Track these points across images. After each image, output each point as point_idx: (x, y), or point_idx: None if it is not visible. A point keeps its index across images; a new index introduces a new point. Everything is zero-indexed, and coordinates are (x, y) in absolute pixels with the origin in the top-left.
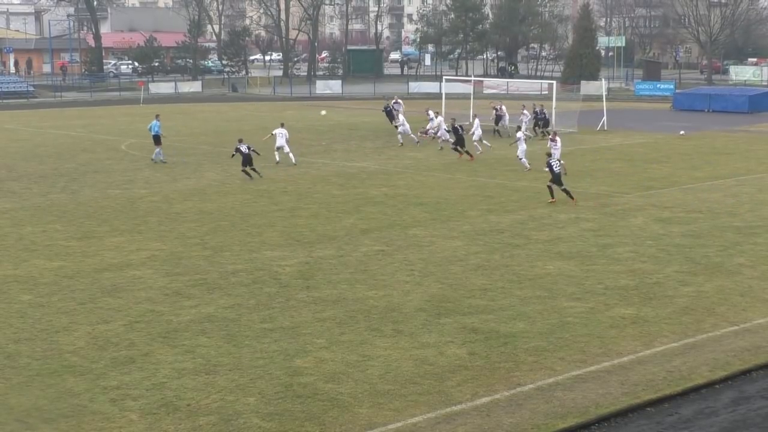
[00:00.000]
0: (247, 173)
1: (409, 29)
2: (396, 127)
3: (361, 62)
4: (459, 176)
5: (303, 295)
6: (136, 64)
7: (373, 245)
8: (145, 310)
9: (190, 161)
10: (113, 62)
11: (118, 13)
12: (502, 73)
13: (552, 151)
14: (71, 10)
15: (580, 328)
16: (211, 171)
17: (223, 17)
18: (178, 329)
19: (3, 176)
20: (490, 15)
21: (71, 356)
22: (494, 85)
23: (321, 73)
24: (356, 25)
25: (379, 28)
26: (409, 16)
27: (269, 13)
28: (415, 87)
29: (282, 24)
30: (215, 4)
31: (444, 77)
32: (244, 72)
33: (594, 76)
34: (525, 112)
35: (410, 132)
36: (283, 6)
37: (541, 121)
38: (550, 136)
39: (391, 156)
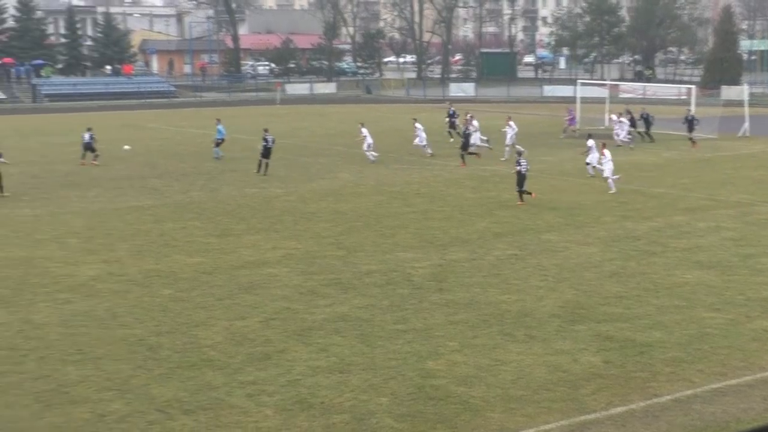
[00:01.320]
0: (260, 164)
1: (543, 32)
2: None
3: (495, 65)
4: (594, 181)
5: (436, 298)
6: (273, 65)
7: (506, 249)
8: (281, 307)
9: (324, 162)
10: (250, 63)
11: (255, 15)
12: (638, 77)
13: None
14: (211, 12)
15: (720, 339)
16: (346, 172)
17: (357, 19)
18: (312, 327)
19: (146, 173)
20: (627, 18)
21: (210, 350)
22: (630, 89)
23: (454, 75)
24: (490, 28)
25: (513, 30)
26: (544, 18)
27: (403, 15)
28: (549, 90)
29: (415, 26)
30: (350, 6)
31: (579, 81)
32: (378, 74)
33: (735, 81)
34: (622, 119)
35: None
36: (416, 8)
37: (645, 124)
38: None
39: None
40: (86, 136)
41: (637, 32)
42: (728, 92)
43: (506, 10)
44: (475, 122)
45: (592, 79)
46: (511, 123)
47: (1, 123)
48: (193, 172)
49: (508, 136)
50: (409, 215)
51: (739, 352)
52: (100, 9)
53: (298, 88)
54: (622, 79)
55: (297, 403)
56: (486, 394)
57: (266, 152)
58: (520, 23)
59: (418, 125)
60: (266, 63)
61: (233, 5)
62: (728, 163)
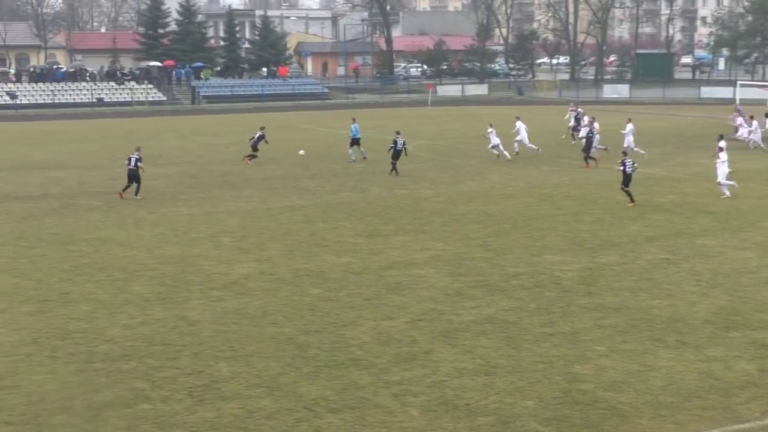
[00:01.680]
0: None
1: (702, 32)
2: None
3: (651, 66)
4: (752, 185)
5: (584, 301)
6: (425, 66)
7: (658, 253)
8: (428, 308)
9: (474, 163)
10: (403, 65)
11: (409, 16)
12: None
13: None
14: (365, 14)
15: None
16: (495, 173)
17: (511, 21)
18: (458, 329)
19: (299, 174)
20: None
21: (356, 350)
22: None
23: (608, 77)
24: (646, 28)
25: (671, 31)
26: (703, 18)
27: (557, 16)
28: (707, 92)
29: (570, 27)
30: (504, 7)
31: (738, 82)
32: (530, 75)
33: None
34: (755, 122)
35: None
36: (571, 9)
37: None
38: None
39: (679, 162)
40: (257, 135)
41: None
42: None
43: (664, 11)
44: (596, 125)
45: (753, 80)
46: (755, 122)
47: (161, 124)
48: (344, 172)
49: (626, 140)
50: (559, 218)
51: None
52: (258, 12)
53: (449, 90)
54: None
55: (442, 405)
56: (635, 400)
57: (396, 154)
58: (678, 23)
59: (518, 123)
60: (419, 64)
61: (387, 7)
62: None
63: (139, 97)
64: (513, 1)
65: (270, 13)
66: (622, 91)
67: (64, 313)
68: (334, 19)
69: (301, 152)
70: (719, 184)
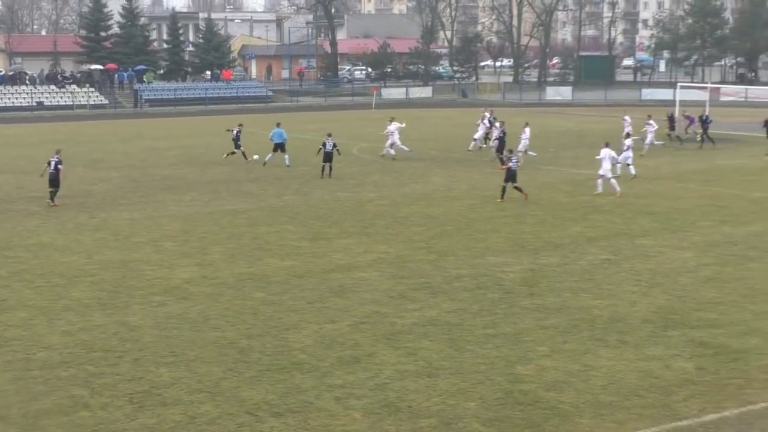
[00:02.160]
0: (323, 169)
1: (643, 35)
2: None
3: (593, 68)
4: (691, 185)
5: (526, 302)
6: (370, 69)
7: (599, 254)
8: (371, 311)
9: (418, 166)
10: (347, 68)
11: (354, 19)
12: (741, 79)
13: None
14: (310, 17)
15: None
16: (438, 176)
17: (455, 23)
18: (401, 331)
19: (241, 177)
20: (731, 20)
21: (299, 353)
22: (732, 92)
23: (551, 79)
24: (589, 31)
25: (613, 33)
26: (644, 21)
27: (501, 19)
28: (648, 94)
29: (514, 30)
30: (448, 10)
31: (678, 84)
32: (474, 78)
33: None
34: (651, 122)
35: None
36: (515, 12)
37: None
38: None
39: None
40: (234, 131)
41: (740, 34)
42: None
43: (606, 13)
44: (527, 129)
45: (692, 83)
46: (651, 122)
47: (103, 128)
48: (287, 176)
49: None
50: (501, 219)
51: None
52: (202, 15)
53: (393, 93)
54: (723, 82)
55: (385, 407)
56: (576, 399)
57: (327, 156)
58: (620, 26)
59: (392, 126)
60: (363, 67)
61: (332, 10)
62: None
63: (80, 101)
64: (457, 3)
65: (214, 15)
66: (564, 93)
67: (1, 321)
68: (279, 22)
69: (255, 157)
70: (599, 178)
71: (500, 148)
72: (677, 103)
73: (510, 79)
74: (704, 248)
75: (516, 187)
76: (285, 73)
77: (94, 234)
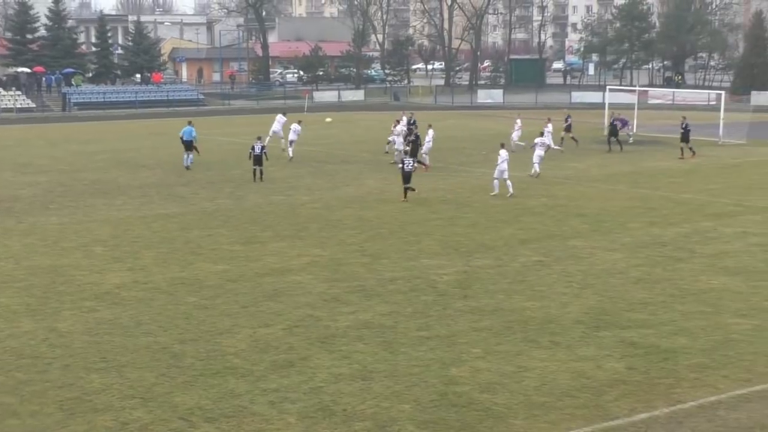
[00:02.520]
0: (254, 173)
1: (573, 38)
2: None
3: (524, 72)
4: (620, 187)
5: (460, 304)
6: (302, 72)
7: (531, 256)
8: (305, 314)
9: (350, 169)
10: (279, 71)
11: (285, 23)
12: (668, 83)
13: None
14: (241, 20)
15: (745, 345)
16: (371, 179)
17: (386, 27)
18: (335, 335)
19: (173, 181)
20: (657, 24)
21: (233, 358)
22: (659, 95)
23: (483, 82)
24: (519, 35)
25: (543, 37)
26: (574, 25)
27: (432, 22)
28: (578, 97)
29: (445, 33)
30: (379, 14)
31: (608, 87)
32: (406, 81)
33: (766, 87)
34: (548, 126)
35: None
36: (446, 15)
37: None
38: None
39: (551, 166)
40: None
41: (667, 38)
42: (758, 98)
43: (536, 17)
44: (430, 131)
45: (621, 86)
46: (431, 132)
47: (30, 131)
48: (220, 179)
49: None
50: (435, 222)
51: (764, 357)
52: (131, 17)
53: (326, 96)
54: (651, 85)
55: (319, 411)
56: (509, 400)
57: (256, 160)
58: (550, 30)
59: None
60: (295, 70)
61: (263, 13)
62: (757, 168)
63: (6, 104)
64: (388, 7)
65: (143, 18)
66: (496, 96)
67: None
68: (210, 25)
69: (328, 119)
70: (496, 179)
71: (414, 152)
72: (606, 106)
73: (442, 82)
74: (634, 249)
75: (408, 187)
76: (216, 77)
77: (22, 239)
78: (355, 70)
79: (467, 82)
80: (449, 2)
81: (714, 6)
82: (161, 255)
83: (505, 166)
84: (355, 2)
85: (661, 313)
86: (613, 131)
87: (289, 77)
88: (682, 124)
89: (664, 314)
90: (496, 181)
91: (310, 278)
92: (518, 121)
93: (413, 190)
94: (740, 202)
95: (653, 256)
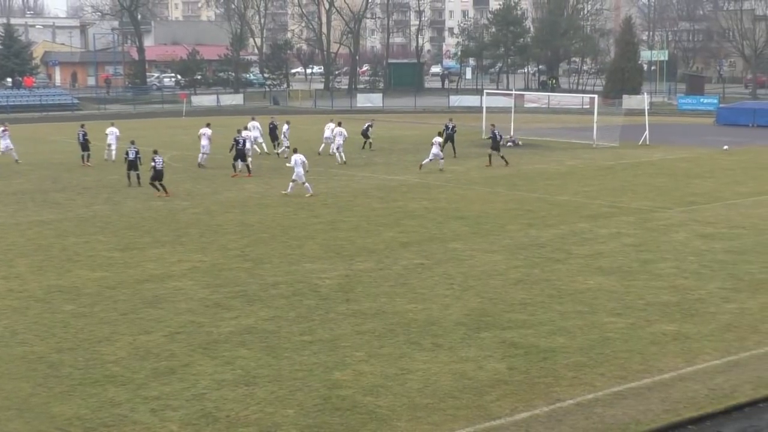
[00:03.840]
0: (155, 187)
1: (450, 43)
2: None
3: (402, 76)
4: (499, 190)
5: (343, 308)
6: (179, 76)
7: (413, 258)
8: (186, 321)
9: (230, 174)
10: (156, 75)
11: (161, 26)
12: (543, 87)
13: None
14: (116, 23)
15: (620, 344)
16: (252, 183)
17: (265, 31)
18: (218, 340)
19: (48, 188)
20: (532, 29)
21: (113, 366)
22: (535, 99)
23: (362, 86)
24: (397, 39)
25: (420, 41)
26: (450, 29)
27: (311, 26)
28: (456, 101)
29: (323, 37)
30: (257, 17)
31: (485, 91)
32: (285, 85)
33: (636, 91)
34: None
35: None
36: (324, 20)
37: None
38: None
39: (431, 170)
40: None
41: (541, 43)
42: (629, 101)
43: (413, 22)
44: (339, 129)
45: (498, 90)
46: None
47: None
48: (96, 185)
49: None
50: (316, 226)
51: (638, 355)
52: (0, 20)
53: (204, 100)
54: (527, 88)
55: (202, 417)
56: (392, 403)
57: (131, 165)
58: (427, 34)
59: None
60: (172, 75)
61: (138, 16)
62: (629, 170)
63: None
64: (266, 11)
65: (13, 21)
66: (375, 100)
67: None
68: (83, 28)
69: (725, 147)
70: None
71: (238, 155)
72: (484, 110)
73: (321, 86)
74: (513, 251)
75: (158, 184)
76: (91, 81)
77: None
78: (233, 74)
79: (346, 86)
80: (327, 6)
81: (586, 12)
82: (36, 263)
83: (300, 170)
84: (233, 6)
85: (540, 313)
86: (495, 145)
87: (167, 81)
88: (492, 131)
89: (543, 314)
90: (291, 183)
91: (191, 284)
92: (255, 123)
93: (157, 188)
94: (614, 204)
95: (532, 258)
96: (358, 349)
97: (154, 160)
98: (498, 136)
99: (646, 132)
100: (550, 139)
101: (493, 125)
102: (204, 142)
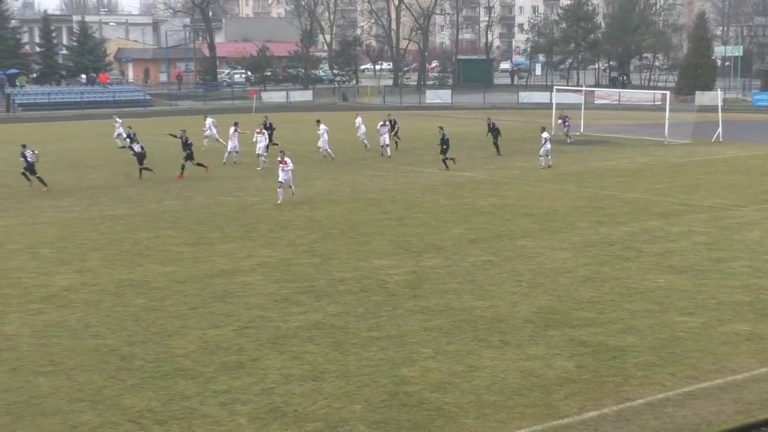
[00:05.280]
0: (140, 171)
1: (519, 39)
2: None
3: (471, 72)
4: (568, 187)
5: (410, 304)
6: (249, 73)
7: (480, 255)
8: (255, 316)
9: (299, 169)
10: (227, 71)
11: (232, 23)
12: (613, 83)
13: None
14: (187, 20)
15: (692, 343)
16: (321, 179)
17: (334, 27)
18: (286, 335)
19: (120, 182)
20: (603, 24)
21: (183, 360)
22: (606, 95)
23: (431, 82)
24: (467, 35)
25: (490, 37)
26: (520, 25)
27: (380, 23)
28: (525, 97)
29: (392, 34)
30: (327, 14)
31: (555, 87)
32: (354, 81)
33: (709, 87)
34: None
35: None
36: (394, 16)
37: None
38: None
39: (499, 166)
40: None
41: (612, 38)
42: (702, 98)
43: (483, 18)
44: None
45: (568, 86)
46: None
47: None
48: (167, 180)
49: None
50: (384, 222)
51: (710, 355)
52: (76, 17)
53: (274, 96)
54: (597, 85)
55: (270, 412)
56: (460, 400)
57: (140, 158)
58: (497, 30)
59: (322, 126)
60: (242, 71)
61: (210, 13)
62: (702, 167)
63: None
64: (336, 7)
65: (88, 18)
66: (444, 96)
67: None
68: (155, 25)
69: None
70: (280, 184)
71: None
72: (554, 106)
73: (390, 82)
74: (582, 248)
75: (144, 168)
76: (163, 77)
77: None
78: (303, 70)
79: (415, 83)
80: (396, 2)
81: (658, 7)
82: (109, 257)
83: (289, 175)
84: (303, 2)
85: (609, 311)
86: (494, 134)
87: (237, 78)
88: (440, 133)
89: (612, 313)
90: (280, 190)
91: (260, 279)
92: (118, 120)
93: (150, 170)
94: (686, 201)
95: (601, 255)
96: (426, 346)
97: (132, 149)
98: (563, 120)
99: (720, 129)
100: (620, 135)
101: (561, 112)
102: (235, 141)
